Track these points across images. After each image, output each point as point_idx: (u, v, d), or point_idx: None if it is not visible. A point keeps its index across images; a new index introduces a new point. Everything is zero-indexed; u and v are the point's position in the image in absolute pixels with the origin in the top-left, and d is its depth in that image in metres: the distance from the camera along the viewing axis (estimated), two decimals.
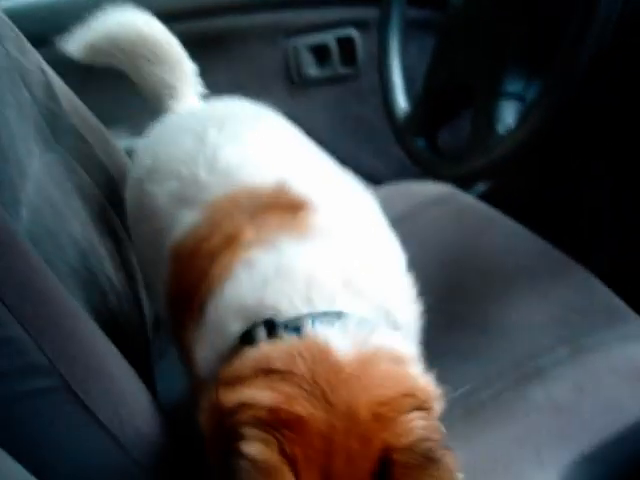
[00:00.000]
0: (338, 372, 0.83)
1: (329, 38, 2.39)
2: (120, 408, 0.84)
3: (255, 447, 0.78)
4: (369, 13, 2.32)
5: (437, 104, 1.66)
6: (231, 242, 1.01)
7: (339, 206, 1.11)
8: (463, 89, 1.57)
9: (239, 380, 0.85)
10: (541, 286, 1.58)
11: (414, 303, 1.09)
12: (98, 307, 1.12)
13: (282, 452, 0.78)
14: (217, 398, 0.84)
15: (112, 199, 1.48)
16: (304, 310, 0.91)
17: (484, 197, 1.97)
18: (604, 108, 1.73)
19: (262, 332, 0.90)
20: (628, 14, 1.24)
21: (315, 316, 0.90)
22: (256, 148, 1.19)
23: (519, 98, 1.42)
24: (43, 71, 1.38)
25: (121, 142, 1.83)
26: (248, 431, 0.79)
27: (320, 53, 2.42)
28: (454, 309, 1.53)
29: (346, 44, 2.40)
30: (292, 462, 0.78)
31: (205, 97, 1.58)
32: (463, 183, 1.91)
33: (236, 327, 0.94)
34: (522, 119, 1.36)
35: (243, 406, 0.82)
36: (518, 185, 2.12)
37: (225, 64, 2.37)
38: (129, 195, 1.34)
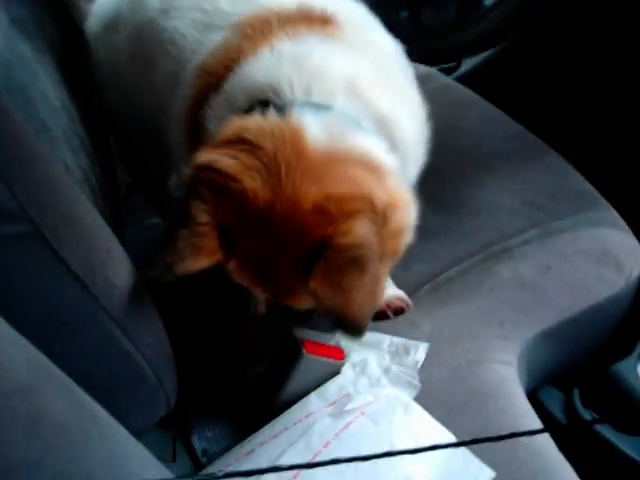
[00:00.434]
0: (300, 157, 0.87)
1: None
2: (91, 257, 0.83)
3: (198, 206, 0.86)
4: None
5: None
6: (259, 40, 1.03)
7: (361, 24, 1.13)
8: None
9: (216, 145, 0.92)
10: (515, 169, 1.59)
11: (419, 125, 1.11)
12: (69, 164, 1.09)
13: (217, 217, 0.87)
14: (194, 157, 0.91)
15: (84, 60, 1.43)
16: (300, 97, 0.95)
17: (463, 79, 1.94)
18: None
19: (258, 111, 0.94)
20: None
21: (305, 104, 0.93)
22: None
23: None
24: None
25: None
26: (199, 190, 0.87)
27: None
28: (428, 190, 1.51)
29: None
30: (224, 228, 0.87)
31: None
32: (446, 57, 1.87)
33: (242, 102, 0.99)
34: None
35: (206, 166, 0.89)
36: (498, 69, 2.09)
37: None
38: (135, 37, 1.29)
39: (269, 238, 0.87)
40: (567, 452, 1.10)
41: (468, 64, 2.18)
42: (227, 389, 1.21)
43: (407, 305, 1.31)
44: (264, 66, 0.99)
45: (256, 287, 0.94)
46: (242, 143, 0.89)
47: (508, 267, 1.34)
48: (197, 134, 1.10)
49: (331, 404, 1.07)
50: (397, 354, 1.16)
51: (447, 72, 2.06)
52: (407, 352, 1.16)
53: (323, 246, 0.85)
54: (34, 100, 1.11)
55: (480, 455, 1.01)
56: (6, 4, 1.18)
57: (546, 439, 1.10)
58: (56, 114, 1.17)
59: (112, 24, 1.33)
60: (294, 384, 1.09)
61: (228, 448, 1.11)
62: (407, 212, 0.95)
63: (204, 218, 0.86)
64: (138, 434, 0.86)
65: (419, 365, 1.14)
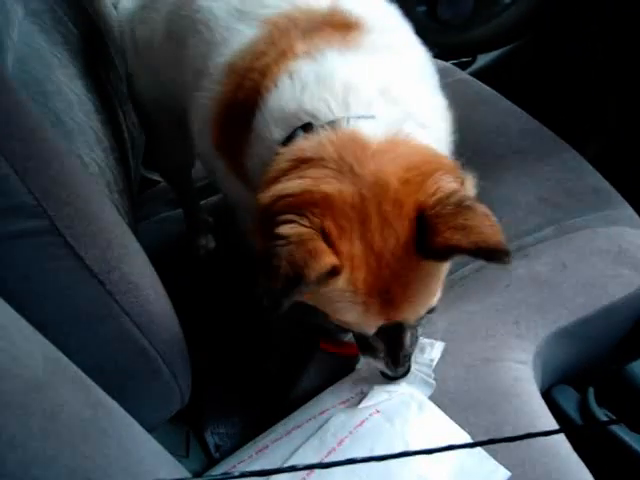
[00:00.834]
0: (365, 149, 0.88)
1: None
2: (107, 253, 0.82)
3: (287, 227, 0.83)
4: None
5: None
6: (282, 55, 1.04)
7: (389, 27, 1.12)
8: None
9: (274, 179, 0.91)
10: (531, 166, 1.57)
11: (444, 120, 1.12)
12: (84, 158, 1.09)
13: (313, 225, 0.84)
14: (256, 201, 0.90)
15: (99, 53, 1.43)
16: (341, 114, 0.95)
17: (478, 75, 1.93)
18: None
19: (300, 136, 0.95)
20: None
21: (350, 117, 0.94)
22: None
23: None
24: None
25: None
26: (281, 217, 0.85)
27: None
28: None
29: None
30: (325, 233, 0.84)
31: None
32: (462, 53, 1.86)
33: (278, 135, 1.00)
34: None
35: (276, 198, 0.88)
36: (514, 64, 2.08)
37: None
38: (172, 13, 1.30)
39: (371, 228, 0.85)
40: (581, 451, 1.09)
41: (483, 59, 2.17)
42: (241, 385, 1.21)
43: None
44: (290, 96, 0.99)
45: (370, 302, 0.89)
46: (303, 163, 0.90)
47: (524, 265, 1.33)
48: (226, 130, 1.12)
49: (345, 401, 1.07)
50: None
51: (462, 67, 2.05)
52: (422, 350, 1.15)
53: (424, 208, 0.85)
54: (49, 94, 1.11)
55: (495, 454, 1.00)
56: None
57: (561, 439, 1.09)
58: (71, 108, 1.17)
59: (149, 3, 1.33)
60: (309, 379, 1.09)
61: (241, 444, 1.11)
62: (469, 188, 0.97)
63: (302, 229, 0.84)
64: (152, 428, 0.86)
65: (434, 363, 1.14)
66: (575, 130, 1.79)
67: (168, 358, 0.94)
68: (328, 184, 0.86)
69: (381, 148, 0.89)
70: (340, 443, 1.00)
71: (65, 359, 0.75)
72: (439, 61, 1.88)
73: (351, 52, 1.02)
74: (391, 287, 0.88)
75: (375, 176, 0.86)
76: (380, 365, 1.02)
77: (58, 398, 0.70)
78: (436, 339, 1.17)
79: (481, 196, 1.49)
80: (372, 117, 0.94)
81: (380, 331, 0.95)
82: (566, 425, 1.27)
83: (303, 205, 0.85)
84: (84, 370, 0.77)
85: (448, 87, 1.57)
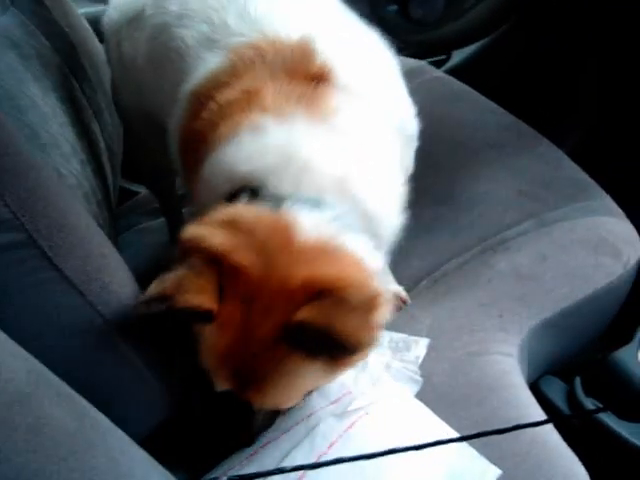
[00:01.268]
0: (292, 245, 0.87)
1: None
2: (86, 264, 0.82)
3: (195, 260, 0.86)
4: None
5: None
6: (247, 99, 1.01)
7: (360, 76, 1.08)
8: None
9: (208, 223, 0.91)
10: (509, 160, 1.58)
11: (400, 216, 1.09)
12: (61, 171, 1.08)
13: (213, 276, 0.85)
14: (181, 233, 0.90)
15: (72, 66, 1.42)
16: (290, 192, 0.93)
17: (453, 72, 1.94)
18: None
19: (245, 197, 0.94)
20: None
21: (297, 199, 0.92)
22: (285, 2, 1.16)
23: None
24: None
25: (81, 9, 1.74)
26: (192, 257, 0.86)
27: None
28: (422, 184, 1.50)
29: None
30: (219, 289, 0.86)
31: None
32: (436, 50, 1.87)
33: (223, 189, 0.98)
34: None
35: (196, 240, 0.88)
36: (488, 60, 2.09)
37: None
38: (152, 38, 1.29)
39: (256, 310, 0.86)
40: (570, 441, 1.10)
41: (458, 56, 2.18)
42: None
43: (404, 301, 1.31)
44: (248, 153, 0.97)
45: (223, 366, 0.91)
46: (235, 227, 0.89)
47: (505, 259, 1.34)
48: (189, 157, 1.11)
49: (333, 402, 1.07)
50: (398, 350, 1.15)
51: (437, 65, 2.06)
52: (408, 348, 1.15)
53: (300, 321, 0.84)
54: (24, 108, 1.11)
55: (484, 448, 1.01)
56: None
57: (550, 429, 1.10)
58: (46, 121, 1.17)
59: (136, 19, 1.31)
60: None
61: None
62: (384, 312, 0.91)
63: (205, 269, 0.86)
64: (139, 438, 0.86)
65: (420, 360, 1.14)
66: (552, 124, 1.81)
67: (153, 366, 0.93)
68: (243, 258, 0.86)
69: (305, 250, 0.87)
70: (330, 446, 1.00)
71: (48, 372, 0.75)
72: (413, 60, 1.89)
73: (319, 125, 0.99)
74: (245, 365, 0.89)
75: (284, 273, 0.86)
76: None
77: (42, 411, 0.69)
78: (421, 336, 1.18)
79: (460, 192, 1.52)
80: (317, 206, 0.92)
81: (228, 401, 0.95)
82: (554, 415, 1.28)
83: (213, 261, 0.86)
84: (68, 382, 0.76)
85: (424, 85, 1.58)
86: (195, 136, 1.07)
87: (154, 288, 0.83)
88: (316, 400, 1.08)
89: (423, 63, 1.89)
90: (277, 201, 0.92)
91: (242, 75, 1.04)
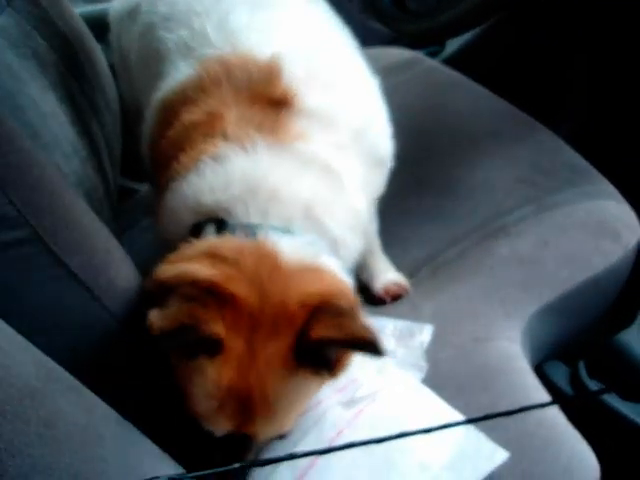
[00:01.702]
0: (278, 270, 0.89)
1: None
2: (92, 259, 0.83)
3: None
4: None
5: None
6: (211, 123, 1.01)
7: (328, 99, 1.07)
8: None
9: (182, 259, 0.90)
10: (506, 147, 1.59)
11: (361, 239, 1.10)
12: (63, 169, 1.09)
13: (216, 311, 0.83)
14: (154, 275, 0.88)
15: (69, 65, 1.42)
16: (257, 221, 0.94)
17: (448, 62, 1.94)
18: None
19: (211, 229, 0.95)
20: None
21: (268, 227, 0.93)
22: (267, 15, 1.15)
23: None
24: None
25: (77, 9, 1.74)
26: (183, 291, 0.83)
27: None
28: (420, 172, 1.53)
29: None
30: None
31: None
32: (430, 40, 1.87)
33: (188, 220, 0.98)
34: None
35: (180, 277, 0.85)
36: (483, 48, 2.09)
37: None
38: (142, 37, 1.29)
39: (258, 337, 0.86)
40: (576, 423, 1.10)
41: (452, 46, 2.19)
42: None
43: (405, 289, 1.31)
44: (212, 184, 0.98)
45: (227, 402, 0.87)
46: (219, 258, 0.88)
47: (506, 245, 1.34)
48: (157, 174, 1.10)
49: (339, 391, 1.07)
50: (402, 337, 1.16)
51: (432, 55, 2.07)
52: (412, 335, 1.16)
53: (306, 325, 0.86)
54: (23, 107, 1.11)
55: (491, 431, 1.01)
56: None
57: (555, 412, 1.10)
58: (46, 120, 1.17)
59: (134, 12, 1.32)
60: None
61: None
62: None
63: (210, 301, 0.84)
64: None
65: (424, 347, 1.15)
66: (548, 111, 1.81)
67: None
68: (237, 287, 0.85)
69: (292, 272, 0.89)
70: (339, 434, 1.01)
71: (58, 367, 0.75)
72: (408, 51, 1.90)
73: (281, 152, 0.99)
74: (252, 395, 0.87)
75: (279, 297, 0.87)
76: None
77: (53, 405, 0.70)
78: (424, 323, 1.18)
79: (458, 180, 1.52)
80: (290, 233, 0.94)
81: (225, 441, 0.91)
82: (560, 398, 1.28)
83: (208, 294, 0.84)
84: (76, 376, 0.77)
85: (419, 75, 1.59)
86: (161, 156, 1.07)
87: (163, 321, 0.80)
88: (323, 390, 1.09)
89: (417, 54, 1.90)
90: (248, 230, 0.93)
91: (208, 92, 1.04)
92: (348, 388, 1.07)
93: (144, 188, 1.86)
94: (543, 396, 1.13)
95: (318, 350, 0.87)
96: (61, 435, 0.68)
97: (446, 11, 1.36)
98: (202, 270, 0.86)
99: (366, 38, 2.09)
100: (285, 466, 0.94)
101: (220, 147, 0.99)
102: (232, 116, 1.01)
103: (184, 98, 1.06)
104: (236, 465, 0.54)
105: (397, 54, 1.88)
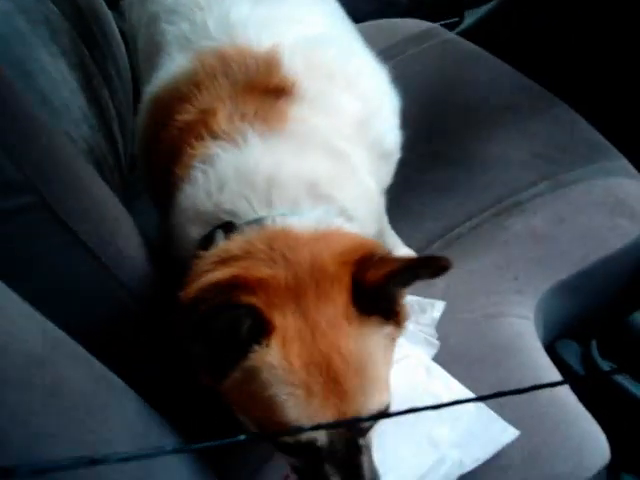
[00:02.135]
0: (297, 239, 0.84)
1: None
2: (100, 227, 0.82)
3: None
4: None
5: None
6: (203, 122, 0.96)
7: (328, 90, 1.04)
8: None
9: (196, 277, 0.83)
10: (523, 122, 1.56)
11: (375, 220, 1.07)
12: (72, 136, 1.08)
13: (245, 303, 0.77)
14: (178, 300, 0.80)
15: (81, 32, 1.41)
16: (264, 213, 0.89)
17: (466, 34, 1.91)
18: None
19: (220, 236, 0.89)
20: None
21: (276, 215, 0.88)
22: (268, 8, 1.12)
23: None
24: None
25: None
26: (209, 304, 0.75)
27: None
28: (436, 146, 1.51)
29: None
30: (257, 311, 0.77)
31: None
32: (449, 10, 1.84)
33: (196, 234, 0.93)
34: None
35: (202, 288, 0.79)
36: (500, 21, 2.05)
37: None
38: (147, 25, 1.27)
39: (307, 305, 0.79)
40: (587, 403, 1.10)
41: (470, 19, 2.15)
42: None
43: None
44: (206, 194, 0.92)
45: (311, 382, 0.77)
46: (229, 260, 0.83)
47: (520, 221, 1.32)
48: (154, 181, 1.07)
49: None
50: (413, 313, 1.14)
51: (449, 27, 2.03)
52: (423, 311, 1.15)
53: (357, 276, 0.81)
54: (33, 73, 1.10)
55: (501, 410, 1.00)
56: None
57: (566, 391, 1.09)
58: (56, 86, 1.16)
59: None
60: None
61: None
62: None
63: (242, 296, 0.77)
64: None
65: (436, 323, 1.13)
66: (566, 84, 1.78)
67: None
68: (260, 271, 0.80)
69: (313, 237, 0.84)
70: None
71: (64, 335, 0.74)
72: (426, 23, 1.86)
73: (276, 138, 0.94)
74: (332, 360, 0.78)
75: (311, 261, 0.81)
76: None
77: (59, 373, 0.69)
78: (436, 299, 1.17)
79: (474, 154, 1.50)
80: (298, 213, 0.89)
81: (331, 453, 0.80)
82: (572, 376, 1.27)
83: (233, 289, 0.77)
84: (83, 345, 0.76)
85: (436, 48, 1.56)
86: (156, 167, 1.03)
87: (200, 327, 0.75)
88: None
89: (435, 25, 1.87)
90: (256, 224, 0.88)
91: (202, 87, 1.00)
92: None
93: None
94: (554, 375, 1.12)
95: (377, 294, 0.80)
96: (66, 404, 0.68)
97: None
98: (218, 274, 0.81)
99: (385, 9, 2.07)
100: None
101: (209, 147, 0.94)
102: (225, 112, 0.96)
103: (177, 94, 1.02)
104: (241, 437, 0.52)
105: (415, 25, 1.85)
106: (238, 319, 0.75)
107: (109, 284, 0.83)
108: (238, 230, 0.88)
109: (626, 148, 1.52)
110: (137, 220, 0.99)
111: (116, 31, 1.56)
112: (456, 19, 2.15)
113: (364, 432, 0.82)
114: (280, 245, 0.83)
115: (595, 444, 1.06)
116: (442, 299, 1.18)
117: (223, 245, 0.86)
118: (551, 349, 1.34)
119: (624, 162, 1.48)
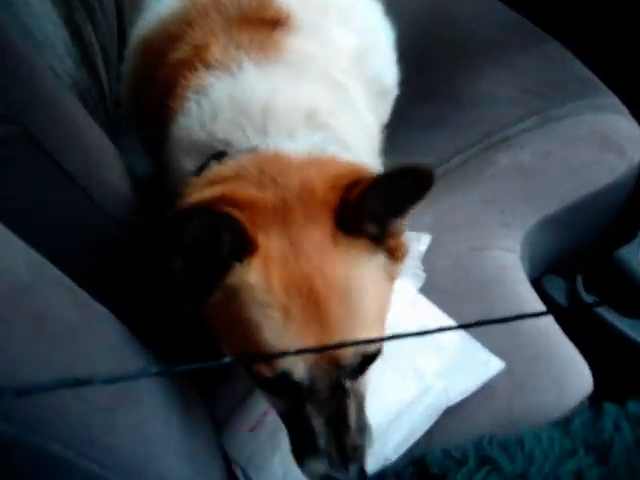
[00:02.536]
0: (289, 163, 0.81)
1: None
2: (85, 157, 0.81)
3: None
4: None
5: None
6: (197, 56, 0.94)
7: (325, 25, 1.03)
8: None
9: (189, 196, 0.81)
10: (513, 58, 1.54)
11: (369, 140, 1.05)
12: (56, 70, 1.06)
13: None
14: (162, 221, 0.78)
15: None
16: (258, 141, 0.87)
17: None
18: None
19: (214, 165, 0.86)
20: None
21: (270, 144, 0.86)
22: None
23: None
24: None
25: None
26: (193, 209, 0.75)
27: None
28: (424, 81, 1.49)
29: None
30: (241, 225, 0.74)
31: None
32: None
33: (190, 165, 0.90)
34: None
35: (192, 204, 0.78)
36: None
37: None
38: None
39: (294, 228, 0.77)
40: (571, 336, 1.11)
41: None
42: None
43: None
44: (200, 124, 0.90)
45: (291, 304, 0.75)
46: (220, 181, 0.81)
47: (508, 155, 1.32)
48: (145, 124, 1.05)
49: None
50: None
51: None
52: (409, 243, 1.15)
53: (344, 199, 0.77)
54: (15, 6, 1.08)
55: (486, 340, 1.02)
56: None
57: (550, 323, 1.11)
58: (39, 20, 1.14)
59: None
60: None
61: None
62: None
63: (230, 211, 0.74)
64: None
65: (422, 256, 1.14)
66: (557, 20, 1.75)
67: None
68: (248, 192, 0.78)
69: (305, 162, 0.82)
70: None
71: (49, 264, 0.75)
72: None
73: (272, 66, 0.92)
74: (314, 283, 0.75)
75: (300, 185, 0.79)
76: (322, 466, 0.79)
77: (45, 301, 0.70)
78: (423, 232, 1.17)
79: (462, 90, 1.48)
80: (293, 139, 0.86)
81: (312, 392, 0.77)
82: (555, 307, 1.29)
83: (220, 203, 0.75)
84: (68, 275, 0.76)
85: None
86: (150, 105, 1.01)
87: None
88: None
89: None
90: (250, 151, 0.85)
91: (194, 25, 0.98)
92: None
93: None
94: (539, 307, 1.14)
95: (360, 211, 0.76)
96: (51, 330, 0.68)
97: None
98: (206, 193, 0.79)
99: None
100: None
101: (202, 77, 0.92)
102: (219, 44, 0.94)
103: (168, 35, 0.99)
104: (226, 360, 0.53)
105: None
106: (218, 229, 0.73)
107: (93, 212, 0.83)
108: (230, 157, 0.86)
109: (616, 85, 1.51)
110: (123, 155, 0.98)
111: None
112: None
113: (351, 374, 0.79)
114: (271, 169, 0.80)
115: (578, 375, 1.08)
116: (428, 233, 1.18)
117: (214, 168, 0.85)
118: (537, 284, 1.35)
119: (613, 99, 1.47)
